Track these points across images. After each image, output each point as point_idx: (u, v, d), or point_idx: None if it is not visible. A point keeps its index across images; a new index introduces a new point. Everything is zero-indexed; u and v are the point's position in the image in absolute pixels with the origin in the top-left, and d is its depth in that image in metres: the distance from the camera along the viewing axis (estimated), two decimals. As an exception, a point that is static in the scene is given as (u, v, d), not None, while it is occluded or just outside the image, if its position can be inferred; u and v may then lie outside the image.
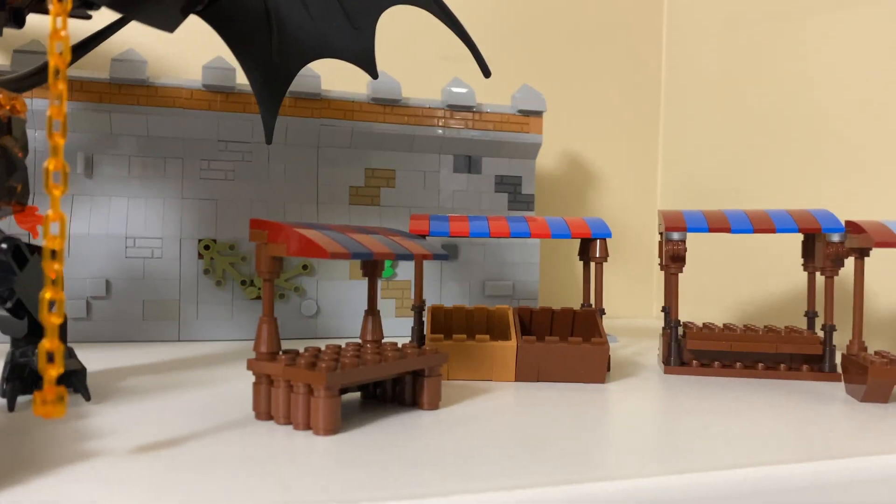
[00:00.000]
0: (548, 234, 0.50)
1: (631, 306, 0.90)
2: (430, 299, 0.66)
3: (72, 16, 0.40)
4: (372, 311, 0.40)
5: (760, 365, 0.48)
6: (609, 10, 0.89)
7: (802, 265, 0.51)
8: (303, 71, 0.62)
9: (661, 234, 0.51)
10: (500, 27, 0.84)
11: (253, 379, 0.35)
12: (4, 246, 0.35)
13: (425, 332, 0.47)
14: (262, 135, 0.62)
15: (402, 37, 0.71)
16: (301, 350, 0.36)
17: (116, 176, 0.60)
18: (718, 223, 0.48)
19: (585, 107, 0.88)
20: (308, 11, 0.47)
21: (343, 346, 0.38)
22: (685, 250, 0.47)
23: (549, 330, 0.49)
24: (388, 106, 0.65)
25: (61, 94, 0.23)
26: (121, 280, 0.59)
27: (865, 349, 0.43)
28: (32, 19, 0.44)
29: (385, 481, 0.25)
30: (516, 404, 0.39)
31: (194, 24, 0.45)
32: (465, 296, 0.67)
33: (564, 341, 0.45)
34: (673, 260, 0.48)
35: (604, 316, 0.50)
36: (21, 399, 0.36)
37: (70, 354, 0.37)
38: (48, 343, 0.23)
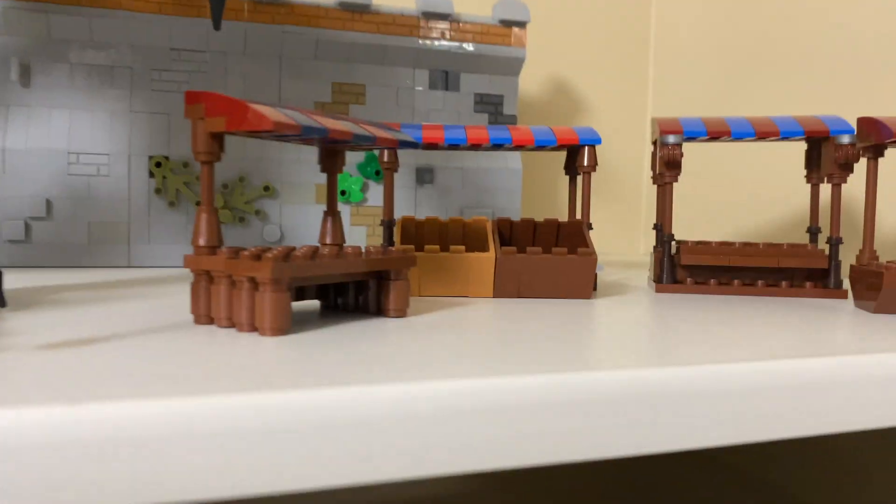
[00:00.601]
0: (531, 142, 0.46)
1: (617, 245, 0.87)
2: (404, 226, 0.61)
3: None
4: (331, 213, 0.35)
5: (760, 282, 0.44)
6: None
7: (805, 176, 0.47)
8: (262, -30, 0.56)
9: (653, 143, 0.46)
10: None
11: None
12: None
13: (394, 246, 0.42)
14: (219, 43, 0.56)
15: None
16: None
17: (57, 85, 0.54)
18: (717, 127, 0.44)
19: (572, 29, 0.83)
20: None
21: (297, 247, 0.33)
22: (681, 155, 0.43)
23: (532, 243, 0.45)
24: (357, 13, 0.59)
25: None
26: (63, 199, 0.53)
27: (877, 258, 0.39)
28: None
29: (336, 374, 0.21)
30: (494, 314, 0.35)
31: None
32: (441, 223, 0.62)
33: (548, 252, 0.41)
34: (668, 167, 0.44)
35: (591, 231, 0.46)
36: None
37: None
38: None
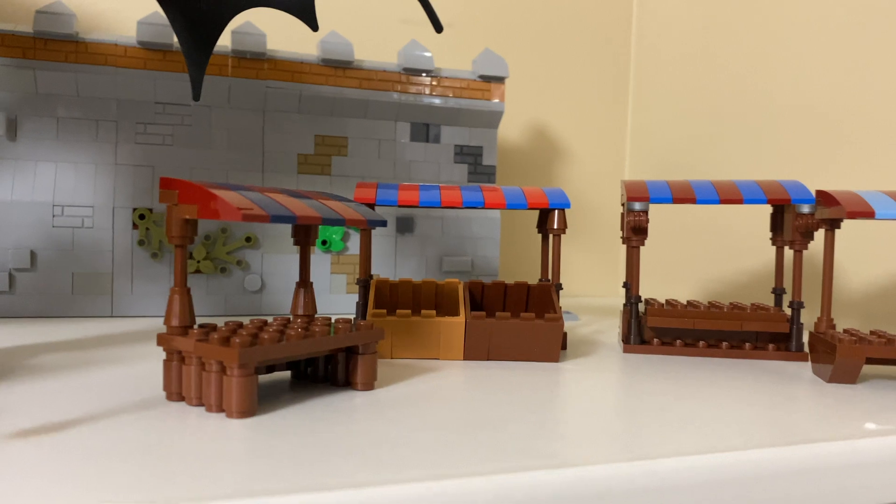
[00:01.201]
0: (503, 205, 0.47)
1: (597, 285, 0.88)
2: (385, 275, 0.62)
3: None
4: (304, 284, 0.36)
5: (725, 344, 0.45)
6: (579, -24, 0.86)
7: (771, 239, 0.49)
8: (247, 28, 0.58)
9: (623, 205, 0.48)
10: (465, -8, 0.81)
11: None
12: None
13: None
14: (204, 97, 0.58)
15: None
16: (224, 324, 0.32)
17: (43, 139, 0.55)
18: (683, 193, 0.45)
19: (552, 77, 0.85)
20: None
21: (269, 320, 0.34)
22: (647, 221, 0.45)
23: (503, 306, 0.46)
24: (340, 68, 0.61)
25: None
26: (47, 251, 0.54)
27: (834, 327, 0.41)
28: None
29: (291, 472, 0.22)
30: (461, 385, 0.36)
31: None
32: (420, 272, 0.63)
33: (516, 317, 0.42)
34: (634, 232, 0.45)
35: (562, 292, 0.47)
36: None
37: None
38: None
